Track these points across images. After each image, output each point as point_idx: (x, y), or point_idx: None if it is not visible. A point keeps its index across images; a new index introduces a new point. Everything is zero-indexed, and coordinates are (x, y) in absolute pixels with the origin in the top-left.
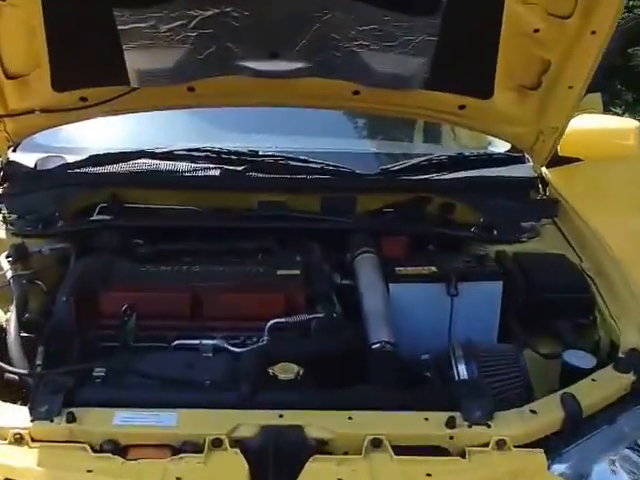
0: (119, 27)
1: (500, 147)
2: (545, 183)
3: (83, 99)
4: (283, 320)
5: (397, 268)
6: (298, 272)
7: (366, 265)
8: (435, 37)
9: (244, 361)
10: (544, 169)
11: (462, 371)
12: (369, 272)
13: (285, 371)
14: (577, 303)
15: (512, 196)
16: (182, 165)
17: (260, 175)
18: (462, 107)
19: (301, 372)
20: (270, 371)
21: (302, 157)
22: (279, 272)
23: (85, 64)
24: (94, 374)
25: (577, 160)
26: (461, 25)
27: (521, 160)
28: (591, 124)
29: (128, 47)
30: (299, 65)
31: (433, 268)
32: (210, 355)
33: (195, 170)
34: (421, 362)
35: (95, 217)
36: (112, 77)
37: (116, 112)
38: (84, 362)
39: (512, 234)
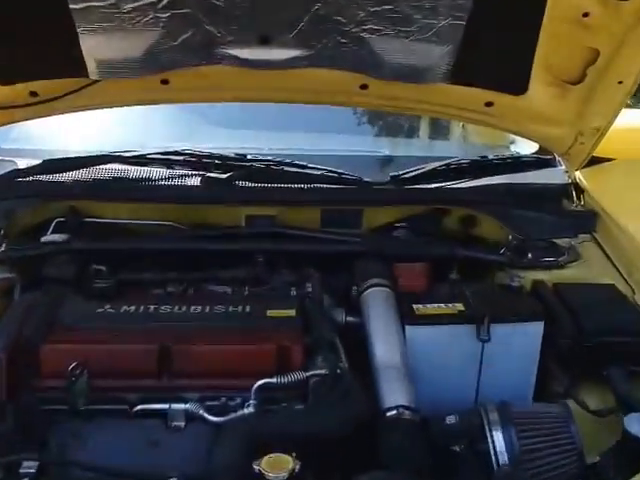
0: (71, 6)
1: (522, 146)
2: (580, 190)
3: (33, 94)
4: (274, 380)
5: (415, 306)
6: (293, 313)
7: (377, 302)
8: (463, 21)
9: (222, 449)
10: (578, 173)
11: (499, 443)
12: (381, 311)
13: (276, 468)
14: (633, 348)
15: (544, 207)
16: (156, 172)
17: (248, 184)
18: (489, 104)
19: (297, 468)
20: (256, 467)
21: (298, 162)
22: (269, 312)
23: (33, 52)
24: (22, 471)
25: (607, 160)
26: (496, 7)
27: (551, 163)
28: (624, 119)
29: (84, 31)
30: (296, 53)
31: (459, 306)
32: (182, 425)
33: (171, 177)
34: (447, 429)
35: (48, 237)
36: (66, 68)
37: (74, 109)
38: (17, 440)
39: (550, 257)
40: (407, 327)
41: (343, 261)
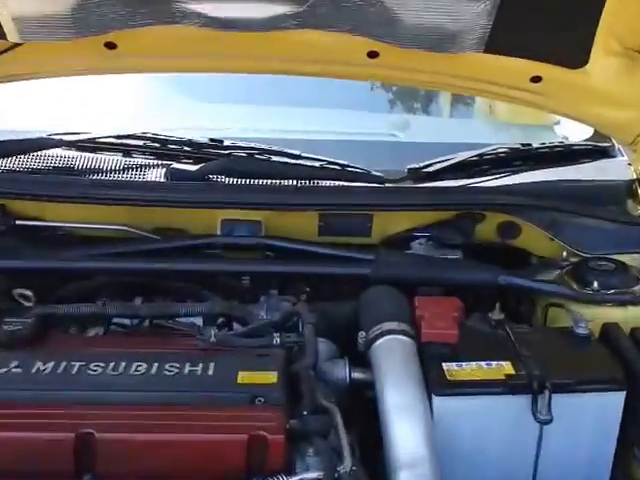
0: None
1: (570, 129)
2: None
3: None
4: None
5: (446, 366)
6: (275, 377)
7: (392, 359)
8: None
9: None
10: None
11: None
12: (398, 375)
13: None
14: None
15: (604, 212)
16: (110, 160)
17: (226, 180)
18: (536, 79)
19: None
20: None
21: (290, 150)
22: (241, 377)
23: None
24: None
25: None
26: None
27: (609, 152)
28: None
29: None
30: (281, 10)
31: (507, 365)
32: None
33: (128, 168)
34: None
35: None
36: None
37: None
38: None
39: (621, 287)
40: (435, 398)
41: (347, 284)
